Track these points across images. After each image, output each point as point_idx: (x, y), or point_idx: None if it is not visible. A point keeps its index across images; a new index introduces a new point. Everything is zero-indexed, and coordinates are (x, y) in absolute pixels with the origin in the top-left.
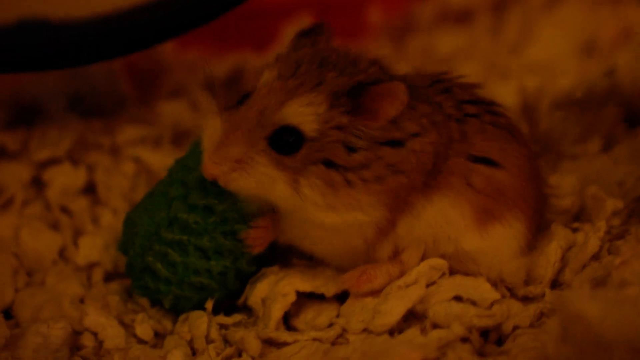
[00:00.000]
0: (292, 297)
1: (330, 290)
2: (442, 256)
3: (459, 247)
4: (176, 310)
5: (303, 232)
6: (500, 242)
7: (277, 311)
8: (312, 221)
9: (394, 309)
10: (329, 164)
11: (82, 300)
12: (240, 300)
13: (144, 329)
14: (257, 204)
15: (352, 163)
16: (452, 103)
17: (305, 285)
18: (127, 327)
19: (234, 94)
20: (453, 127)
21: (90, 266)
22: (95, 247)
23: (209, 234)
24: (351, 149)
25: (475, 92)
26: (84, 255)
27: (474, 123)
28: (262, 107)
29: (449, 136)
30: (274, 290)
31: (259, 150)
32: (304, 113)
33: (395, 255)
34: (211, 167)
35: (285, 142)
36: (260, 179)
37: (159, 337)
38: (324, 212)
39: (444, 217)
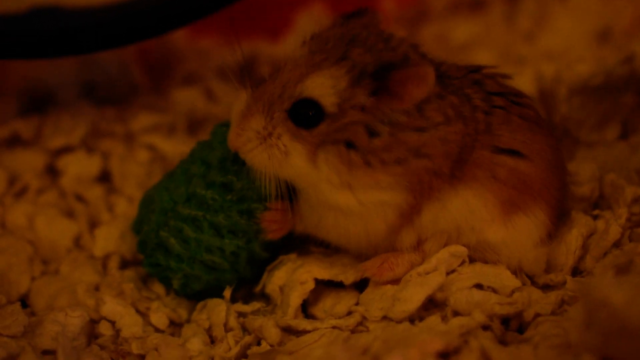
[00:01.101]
0: (311, 285)
1: (348, 278)
2: (465, 246)
3: (482, 237)
4: (185, 292)
5: (319, 216)
6: (522, 232)
7: (295, 299)
8: (328, 202)
9: (413, 295)
10: (349, 144)
11: (97, 288)
12: (258, 288)
13: (159, 317)
14: (275, 184)
15: (373, 147)
16: (482, 95)
17: (324, 273)
18: (143, 316)
19: (255, 75)
20: (480, 118)
21: (107, 256)
22: (111, 238)
23: (225, 212)
24: (373, 133)
25: (505, 83)
26: (101, 247)
27: (500, 114)
28: (286, 80)
29: (475, 127)
30: (292, 278)
31: (279, 122)
32: (324, 85)
33: (419, 244)
34: (234, 139)
35: (304, 114)
36: (277, 150)
37: (175, 325)
38: (339, 191)
39: (468, 208)
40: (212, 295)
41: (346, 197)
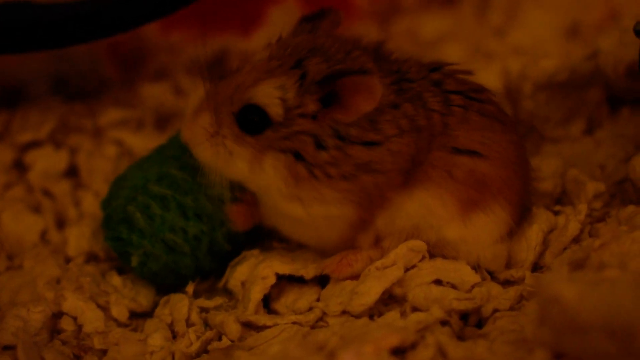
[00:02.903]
0: (272, 280)
1: (309, 272)
2: (425, 242)
3: (440, 235)
4: (142, 273)
5: (277, 216)
6: (481, 230)
7: (256, 294)
8: (278, 208)
9: (371, 289)
10: (297, 155)
11: (58, 282)
12: (221, 284)
13: (119, 310)
14: (226, 182)
15: (319, 160)
16: (440, 97)
17: (285, 268)
18: (104, 310)
19: (223, 69)
20: (436, 120)
21: (79, 254)
22: (84, 237)
23: (194, 194)
24: (321, 146)
25: (466, 79)
26: (74, 246)
27: (458, 113)
28: (239, 82)
29: (430, 132)
30: (254, 274)
31: (226, 123)
32: (271, 95)
33: (377, 242)
34: (184, 132)
35: (250, 120)
36: (221, 151)
37: (137, 317)
38: (289, 202)
39: (426, 208)
40: (168, 280)
41: (295, 208)
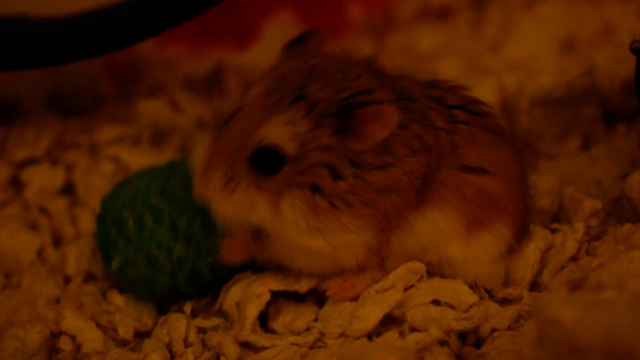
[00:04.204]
0: (266, 297)
1: (303, 286)
2: (427, 263)
3: (444, 255)
4: (118, 277)
5: (290, 254)
6: (482, 249)
7: (252, 311)
8: (297, 244)
9: (371, 313)
10: (315, 188)
11: (58, 301)
12: (215, 307)
13: (126, 329)
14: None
15: (338, 190)
16: (443, 114)
17: (278, 284)
18: (104, 329)
19: (227, 109)
20: (444, 140)
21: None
22: (84, 257)
23: (190, 217)
24: (337, 176)
25: (463, 93)
26: (73, 265)
27: (464, 131)
28: (244, 125)
29: (439, 151)
30: (248, 293)
31: (241, 172)
32: (282, 132)
33: (381, 263)
34: (199, 190)
35: (265, 162)
36: (241, 201)
37: (135, 336)
38: (308, 236)
39: (435, 228)
40: (142, 293)
41: (316, 241)
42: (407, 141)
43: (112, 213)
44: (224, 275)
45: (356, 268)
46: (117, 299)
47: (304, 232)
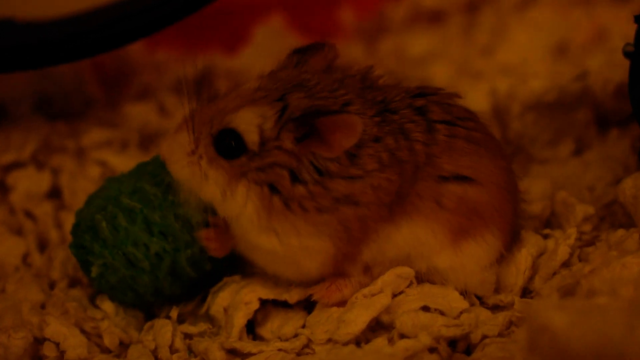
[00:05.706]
0: (255, 305)
1: (293, 297)
2: (417, 272)
3: (431, 264)
4: (100, 284)
5: (250, 250)
6: (471, 257)
7: (239, 319)
8: (250, 241)
9: (358, 318)
10: (272, 188)
11: (43, 307)
12: (202, 310)
13: (111, 338)
14: (198, 204)
15: (295, 194)
16: (423, 127)
17: (268, 293)
18: (89, 336)
19: (211, 91)
20: (419, 152)
21: (62, 278)
22: (70, 261)
23: (163, 211)
24: (297, 179)
25: (452, 104)
26: (59, 270)
27: (443, 142)
28: (223, 106)
29: (414, 164)
30: (236, 299)
31: (203, 144)
32: (250, 122)
33: (366, 271)
34: (163, 149)
35: (226, 144)
36: (196, 171)
37: (123, 346)
38: (263, 233)
39: (416, 239)
40: (127, 297)
41: (269, 239)
42: (378, 155)
43: (85, 220)
44: (207, 272)
45: (319, 276)
46: (106, 304)
47: (257, 228)
